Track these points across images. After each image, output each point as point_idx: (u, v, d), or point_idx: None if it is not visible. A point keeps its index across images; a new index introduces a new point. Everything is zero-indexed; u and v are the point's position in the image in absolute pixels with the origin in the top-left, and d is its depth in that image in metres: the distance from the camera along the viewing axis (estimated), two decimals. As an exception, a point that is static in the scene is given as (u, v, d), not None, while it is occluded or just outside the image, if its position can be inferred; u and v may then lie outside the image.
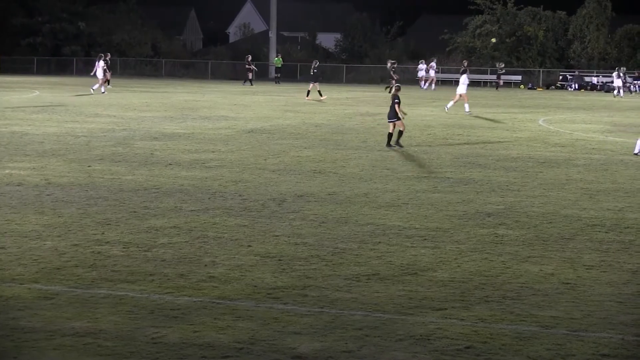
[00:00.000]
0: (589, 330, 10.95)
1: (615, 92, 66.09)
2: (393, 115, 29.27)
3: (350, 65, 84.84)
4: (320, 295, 12.20)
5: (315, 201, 19.32)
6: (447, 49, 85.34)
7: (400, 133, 29.45)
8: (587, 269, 13.91)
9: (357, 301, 11.97)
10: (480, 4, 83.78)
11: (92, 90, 55.05)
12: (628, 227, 17.04)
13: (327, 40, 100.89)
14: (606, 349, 10.28)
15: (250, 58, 72.64)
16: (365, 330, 10.77)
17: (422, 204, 19.18)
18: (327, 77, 77.87)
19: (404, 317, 11.31)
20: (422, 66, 72.03)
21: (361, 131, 34.59)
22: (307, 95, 53.90)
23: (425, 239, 15.81)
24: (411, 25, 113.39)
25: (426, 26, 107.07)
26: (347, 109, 46.35)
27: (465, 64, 63.11)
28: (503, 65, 75.51)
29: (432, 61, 72.22)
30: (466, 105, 44.68)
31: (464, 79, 45.30)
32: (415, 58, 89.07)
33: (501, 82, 74.88)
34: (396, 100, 29.20)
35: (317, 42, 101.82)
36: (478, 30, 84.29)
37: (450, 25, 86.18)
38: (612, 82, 69.72)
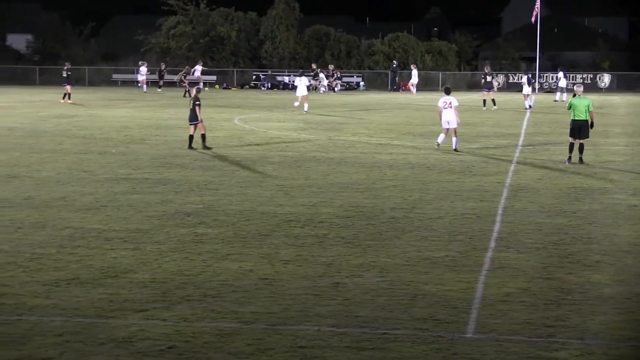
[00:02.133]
0: (287, 323, 11.30)
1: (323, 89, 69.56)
2: (194, 118, 29.23)
3: (43, 67, 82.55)
4: (18, 303, 11.90)
5: (10, 207, 18.77)
6: (142, 50, 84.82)
7: (204, 136, 29.49)
8: (284, 263, 14.32)
9: (57, 307, 11.77)
10: (173, 4, 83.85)
11: None
12: (322, 222, 17.68)
13: (18, 41, 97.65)
14: (303, 341, 10.65)
15: None
16: (65, 336, 10.61)
17: (122, 206, 19.07)
18: (19, 79, 75.45)
19: (105, 321, 11.24)
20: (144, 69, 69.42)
21: (56, 134, 33.85)
22: (64, 98, 52.38)
23: (125, 241, 15.74)
24: (104, 26, 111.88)
25: (119, 27, 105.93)
26: (41, 111, 45.19)
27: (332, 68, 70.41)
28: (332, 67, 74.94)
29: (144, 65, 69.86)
30: (306, 105, 46.63)
31: (305, 81, 48.22)
32: (109, 59, 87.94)
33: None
34: (197, 102, 29.27)
35: (8, 43, 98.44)
36: (172, 31, 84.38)
37: (144, 26, 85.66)
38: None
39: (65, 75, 53.66)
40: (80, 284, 12.90)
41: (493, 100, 50.68)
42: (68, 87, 52.89)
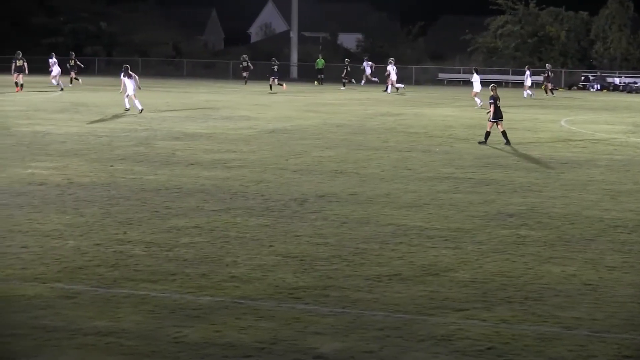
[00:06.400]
0: (611, 331, 10.90)
1: None
2: (499, 116, 30.25)
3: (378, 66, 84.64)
4: (342, 296, 12.20)
5: (336, 201, 19.31)
6: (469, 50, 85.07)
7: (504, 132, 30.50)
8: (609, 270, 13.85)
9: (379, 301, 11.97)
10: (502, 4, 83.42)
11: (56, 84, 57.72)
12: (651, 228, 16.95)
13: (348, 40, 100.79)
14: (629, 351, 10.23)
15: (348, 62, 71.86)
16: (386, 331, 10.76)
17: (444, 205, 19.15)
18: (348, 76, 77.47)
19: (425, 318, 11.30)
20: (390, 67, 67.41)
21: (382, 131, 34.53)
22: (271, 89, 60.84)
23: (446, 240, 15.78)
24: (432, 26, 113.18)
25: (447, 27, 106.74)
26: (368, 109, 46.28)
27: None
28: (549, 67, 66.50)
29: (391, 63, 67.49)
30: (478, 100, 48.36)
31: (475, 78, 49.40)
32: (437, 59, 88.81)
33: (550, 86, 64.07)
34: (491, 101, 30.28)
35: (339, 42, 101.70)
36: (500, 31, 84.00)
37: (472, 25, 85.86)
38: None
39: (274, 70, 62.64)
40: (402, 281, 13.06)
41: None
42: (275, 80, 62.03)
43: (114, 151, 26.84)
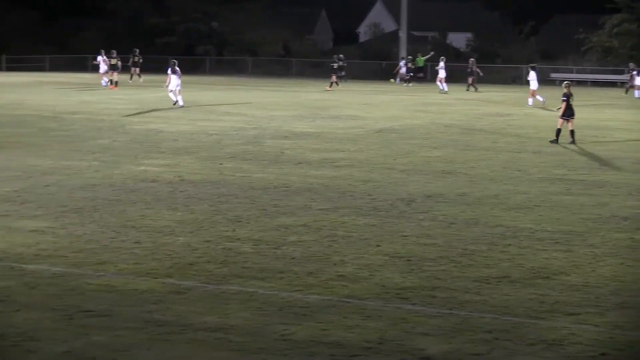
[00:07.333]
0: None
1: None
2: (571, 113, 30.36)
3: (481, 65, 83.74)
4: (449, 297, 12.10)
5: (444, 202, 19.18)
6: (582, 49, 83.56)
7: (572, 132, 30.49)
8: None
9: (487, 304, 11.83)
10: (618, 2, 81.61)
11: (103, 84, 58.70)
12: None
13: (458, 39, 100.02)
14: None
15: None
16: (494, 334, 10.63)
17: (555, 207, 18.85)
18: (456, 77, 76.94)
19: (534, 321, 11.13)
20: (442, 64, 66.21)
21: (491, 132, 34.19)
22: (330, 86, 60.70)
23: (557, 242, 15.52)
24: (544, 25, 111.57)
25: (560, 26, 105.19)
26: (477, 109, 45.89)
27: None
28: (633, 65, 64.08)
29: (442, 61, 66.26)
30: (530, 100, 48.77)
31: (532, 76, 49.13)
32: (548, 58, 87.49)
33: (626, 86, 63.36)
34: (563, 98, 30.42)
35: (448, 41, 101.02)
36: (615, 30, 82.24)
37: (585, 24, 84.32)
38: None
39: (339, 68, 62.36)
40: (510, 283, 12.89)
41: None
42: (334, 77, 61.38)
43: (224, 149, 27.14)
